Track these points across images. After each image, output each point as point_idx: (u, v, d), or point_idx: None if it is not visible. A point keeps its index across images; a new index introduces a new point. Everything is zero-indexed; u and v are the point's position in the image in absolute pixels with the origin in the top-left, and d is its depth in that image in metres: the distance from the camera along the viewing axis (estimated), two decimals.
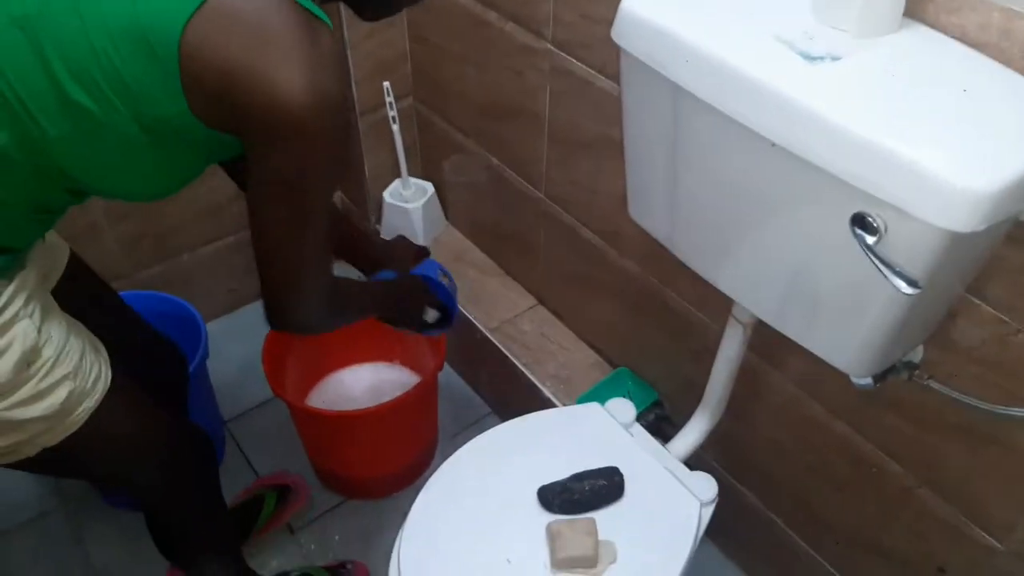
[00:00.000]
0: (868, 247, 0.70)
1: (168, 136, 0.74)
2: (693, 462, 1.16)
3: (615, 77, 1.17)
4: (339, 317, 0.96)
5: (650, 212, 1.00)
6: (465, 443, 1.61)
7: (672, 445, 1.18)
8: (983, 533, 0.98)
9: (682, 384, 1.39)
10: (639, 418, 1.18)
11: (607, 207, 1.32)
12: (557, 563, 0.98)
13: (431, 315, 1.22)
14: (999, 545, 0.97)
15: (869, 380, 0.90)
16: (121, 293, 1.52)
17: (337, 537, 1.50)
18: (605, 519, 1.03)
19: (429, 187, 1.74)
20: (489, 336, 1.57)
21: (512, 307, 1.64)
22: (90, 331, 0.93)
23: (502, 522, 1.04)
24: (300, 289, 0.84)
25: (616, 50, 0.87)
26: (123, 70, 0.69)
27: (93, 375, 0.87)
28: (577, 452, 1.11)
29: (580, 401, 1.44)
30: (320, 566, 1.42)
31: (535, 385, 1.49)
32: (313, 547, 1.48)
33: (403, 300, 1.15)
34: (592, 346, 1.55)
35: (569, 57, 1.23)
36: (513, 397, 1.59)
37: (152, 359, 1.26)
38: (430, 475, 1.58)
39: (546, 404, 1.48)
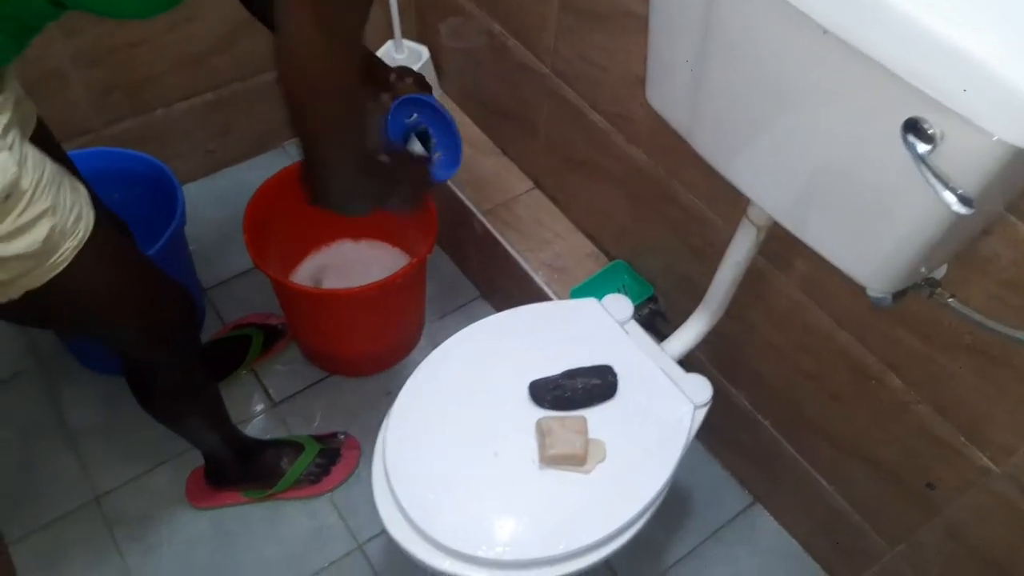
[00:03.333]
0: (920, 157, 0.63)
1: None
2: (684, 360, 1.13)
3: None
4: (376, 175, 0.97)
5: (670, 97, 0.92)
6: (452, 326, 1.58)
7: (668, 344, 1.15)
8: (980, 454, 0.96)
9: (680, 280, 1.34)
10: (634, 312, 1.14)
11: (619, 88, 1.23)
12: (546, 459, 0.96)
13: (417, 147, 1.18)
14: (994, 467, 0.95)
15: (888, 296, 0.85)
16: (93, 150, 1.43)
17: (319, 413, 1.48)
18: (596, 417, 1.00)
19: (424, 51, 1.61)
20: (482, 219, 1.50)
21: (507, 189, 1.56)
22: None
23: (491, 414, 1.01)
24: (344, 123, 0.79)
25: None
26: None
27: (74, 214, 0.81)
28: (571, 348, 1.07)
29: (574, 293, 1.39)
30: (309, 435, 1.41)
31: (528, 273, 1.44)
32: (295, 420, 1.47)
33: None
34: (589, 236, 1.49)
35: None
36: (504, 283, 1.54)
37: None
38: (416, 356, 1.57)
39: (538, 293, 1.43)
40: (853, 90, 0.68)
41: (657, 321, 1.43)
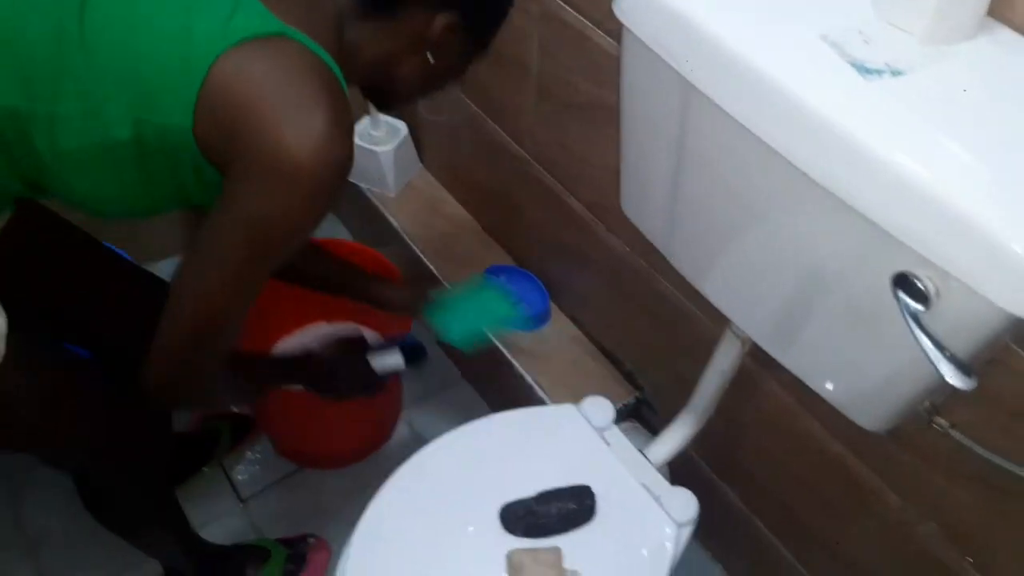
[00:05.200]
0: (914, 318, 0.57)
1: (154, 153, 0.71)
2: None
3: (617, 34, 0.99)
4: (221, 391, 0.98)
5: (645, 212, 0.86)
6: (431, 413, 1.51)
7: (652, 450, 1.08)
8: None
9: (668, 373, 1.28)
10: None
11: (598, 178, 1.17)
12: None
13: (384, 362, 1.14)
14: None
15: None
16: None
17: (289, 511, 1.40)
18: (572, 545, 0.93)
19: (402, 128, 1.57)
20: None
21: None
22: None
23: (461, 544, 0.94)
24: (206, 343, 0.78)
25: None
26: (145, 67, 0.68)
27: None
28: (547, 464, 1.00)
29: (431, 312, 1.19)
30: (275, 539, 1.33)
31: (509, 361, 1.37)
32: (264, 519, 1.40)
33: (332, 369, 1.10)
34: (574, 320, 1.43)
35: (562, 3, 1.05)
36: (485, 369, 1.48)
37: (132, 296, 1.13)
38: (392, 445, 1.50)
39: (519, 381, 1.36)
40: (836, 236, 0.62)
41: (644, 410, 1.37)
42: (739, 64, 0.60)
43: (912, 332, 0.56)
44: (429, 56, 0.81)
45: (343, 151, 0.68)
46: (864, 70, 0.58)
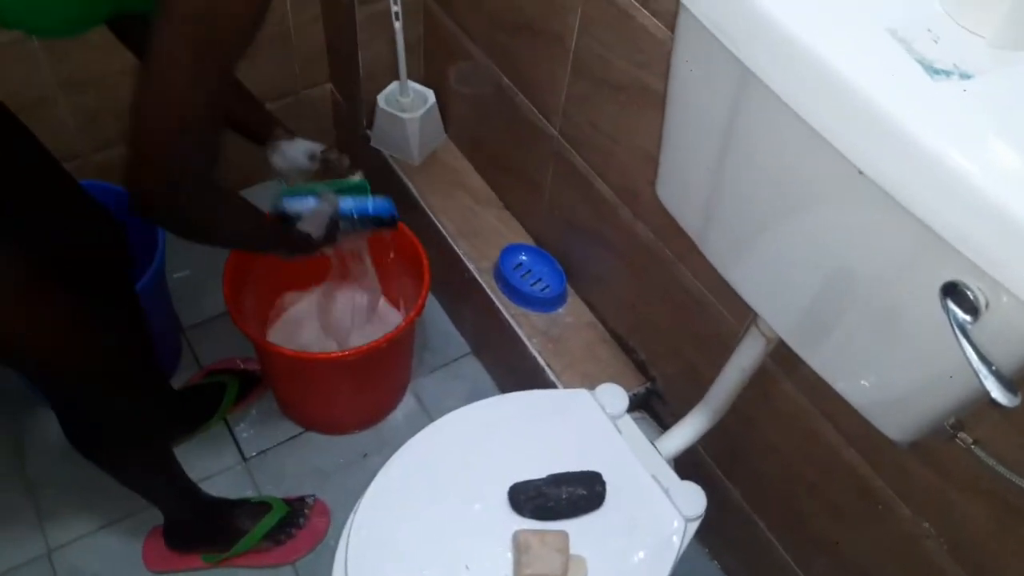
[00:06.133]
0: (961, 329, 0.55)
1: None
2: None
3: (662, 15, 0.98)
4: (213, 210, 0.84)
5: (682, 200, 0.84)
6: (439, 384, 1.50)
7: (663, 442, 1.07)
8: None
9: (682, 364, 1.26)
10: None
11: (628, 162, 1.15)
12: None
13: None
14: None
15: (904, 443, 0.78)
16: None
17: (290, 472, 1.40)
18: (579, 530, 0.93)
19: (430, 95, 1.54)
20: (477, 277, 1.43)
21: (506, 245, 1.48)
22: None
23: (466, 521, 0.93)
24: (175, 146, 0.72)
25: None
26: None
27: None
28: (558, 447, 1.00)
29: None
30: (279, 497, 1.33)
31: (521, 340, 1.36)
32: (265, 478, 1.39)
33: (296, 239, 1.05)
34: (589, 304, 1.41)
35: None
36: (496, 347, 1.47)
37: (84, 235, 1.12)
38: (398, 414, 1.49)
39: (531, 363, 1.35)
40: (887, 238, 0.60)
41: (653, 401, 1.36)
42: (802, 52, 0.58)
43: (959, 344, 0.55)
44: None
45: None
46: (932, 70, 0.56)
